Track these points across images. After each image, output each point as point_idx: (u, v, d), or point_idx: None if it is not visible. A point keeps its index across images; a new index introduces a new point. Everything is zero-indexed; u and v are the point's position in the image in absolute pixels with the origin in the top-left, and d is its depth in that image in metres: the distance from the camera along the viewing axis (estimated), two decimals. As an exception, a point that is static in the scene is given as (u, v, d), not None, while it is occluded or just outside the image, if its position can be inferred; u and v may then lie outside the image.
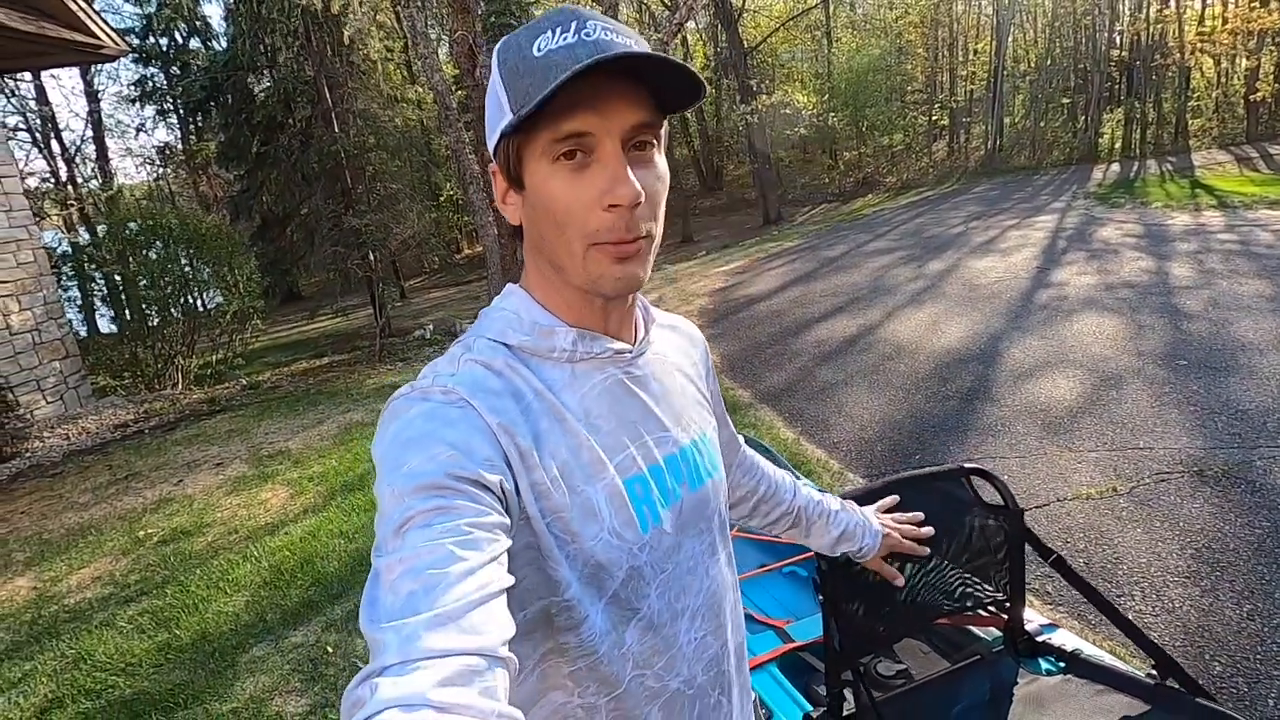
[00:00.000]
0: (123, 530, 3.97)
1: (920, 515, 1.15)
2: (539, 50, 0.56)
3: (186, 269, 9.08)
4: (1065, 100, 22.75)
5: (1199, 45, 19.51)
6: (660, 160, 0.61)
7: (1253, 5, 17.71)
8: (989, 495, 1.30)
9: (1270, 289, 5.69)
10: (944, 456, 3.62)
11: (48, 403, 6.80)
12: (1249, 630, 2.19)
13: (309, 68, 12.46)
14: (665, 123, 0.62)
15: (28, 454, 5.84)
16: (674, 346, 0.76)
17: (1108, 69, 21.15)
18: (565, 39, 0.55)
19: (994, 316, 5.99)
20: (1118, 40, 21.30)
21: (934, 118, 24.06)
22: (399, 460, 0.52)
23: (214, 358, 9.21)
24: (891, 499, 1.18)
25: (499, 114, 0.59)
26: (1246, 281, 5.99)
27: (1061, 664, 1.25)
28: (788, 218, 18.18)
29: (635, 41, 0.57)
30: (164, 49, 20.00)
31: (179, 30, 20.12)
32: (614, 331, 0.66)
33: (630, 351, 0.67)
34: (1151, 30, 19.98)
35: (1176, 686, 1.10)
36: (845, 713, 1.16)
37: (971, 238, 10.16)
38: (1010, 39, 22.72)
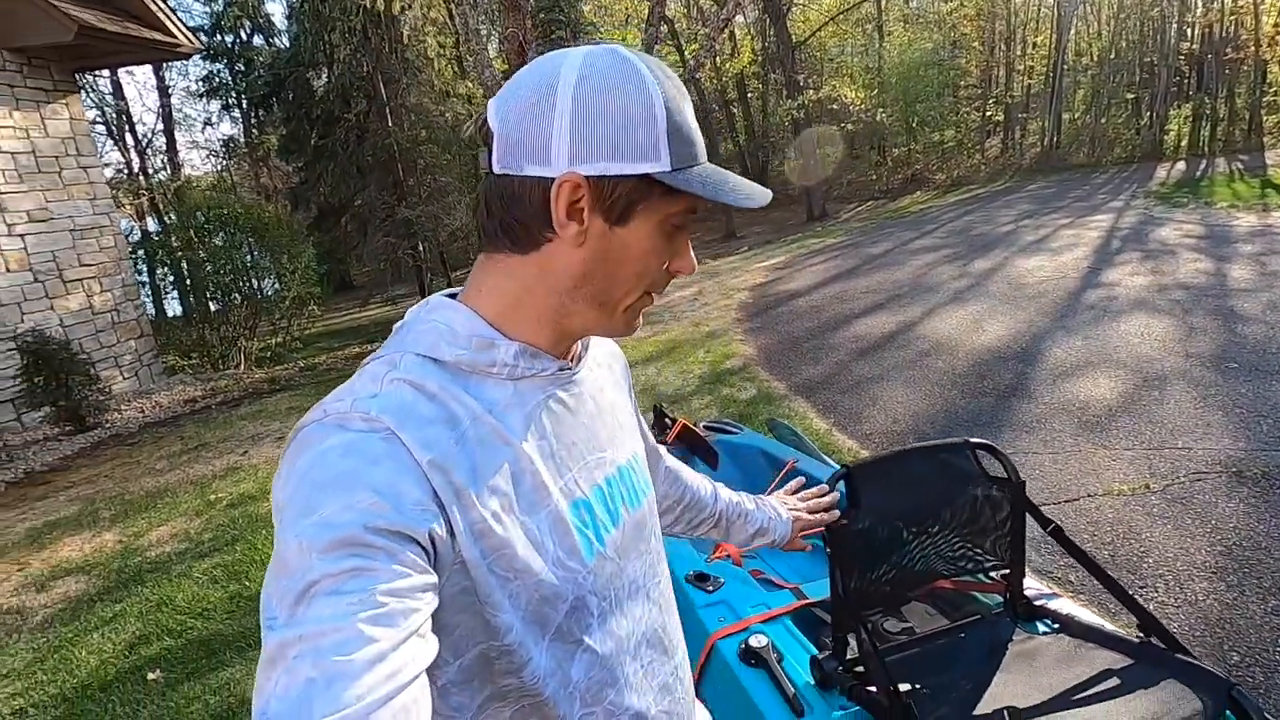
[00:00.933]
0: (195, 494, 4.30)
1: (825, 488, 1.23)
2: (688, 123, 0.57)
3: (249, 256, 9.57)
4: (1129, 95, 21.91)
5: (1277, 37, 18.54)
6: None
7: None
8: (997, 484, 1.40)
9: (1335, 293, 5.50)
10: (976, 450, 3.65)
11: (124, 378, 7.29)
12: (1271, 625, 2.22)
13: (366, 64, 12.92)
14: None
15: (107, 424, 6.30)
16: (600, 362, 0.74)
17: (1176, 63, 20.29)
18: (694, 122, 0.59)
19: (1038, 316, 5.92)
20: (1188, 33, 20.38)
21: (988, 113, 23.45)
22: (309, 505, 0.46)
23: (274, 341, 9.69)
24: (798, 480, 1.27)
25: (643, 149, 0.55)
26: (1310, 285, 5.79)
27: (1056, 625, 1.35)
28: (832, 214, 18.01)
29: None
30: (230, 46, 20.90)
31: (244, 28, 20.99)
32: (558, 353, 0.64)
33: (571, 369, 0.64)
34: (1225, 22, 19.08)
35: (1158, 644, 1.18)
36: (848, 656, 1.28)
37: (1021, 236, 9.97)
38: (1072, 32, 21.99)
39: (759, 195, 0.59)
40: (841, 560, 1.27)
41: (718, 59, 20.02)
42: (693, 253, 0.63)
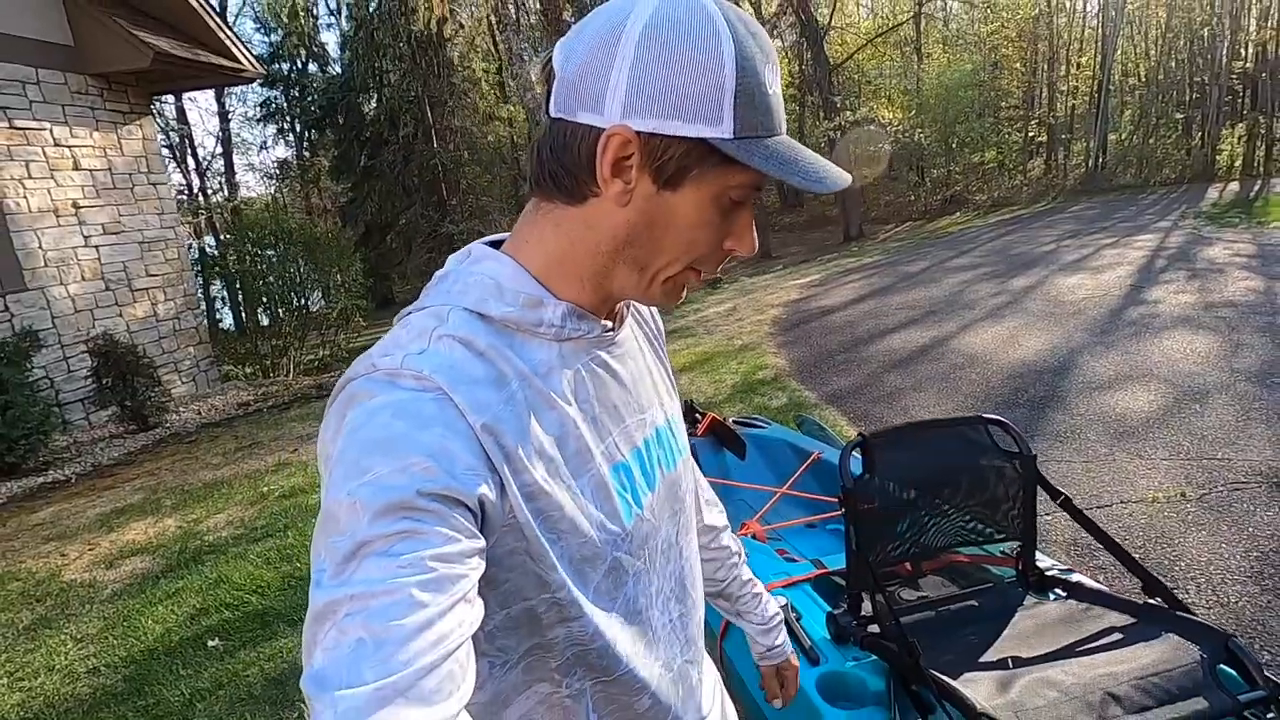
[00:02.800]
0: (249, 486, 4.54)
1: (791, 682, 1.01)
2: (770, 89, 0.53)
3: (300, 270, 10.01)
4: (1179, 116, 21.44)
5: (1335, 56, 17.99)
6: None
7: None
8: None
9: (1391, 310, 5.33)
10: (1007, 458, 3.65)
11: (182, 383, 7.68)
12: (1303, 625, 2.20)
13: (415, 88, 13.47)
14: None
15: (167, 424, 6.65)
16: (638, 321, 0.73)
17: (1228, 82, 19.82)
18: (775, 88, 0.54)
19: (1076, 332, 5.86)
20: (1240, 52, 19.91)
21: (1030, 134, 23.16)
22: (362, 464, 0.46)
23: (321, 353, 10.08)
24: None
25: (704, 107, 0.51)
26: (1365, 303, 5.62)
27: (1065, 594, 1.41)
28: (870, 235, 17.93)
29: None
30: (287, 74, 21.94)
31: (300, 56, 22.03)
32: (603, 314, 0.63)
33: (613, 330, 0.63)
34: (1279, 39, 18.60)
35: (1160, 604, 1.24)
36: (863, 613, 1.36)
37: (1062, 255, 9.83)
38: (1118, 51, 21.67)
39: (833, 177, 0.54)
40: (857, 522, 1.36)
41: (755, 82, 20.20)
42: (755, 232, 0.59)
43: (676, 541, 0.69)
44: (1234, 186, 16.28)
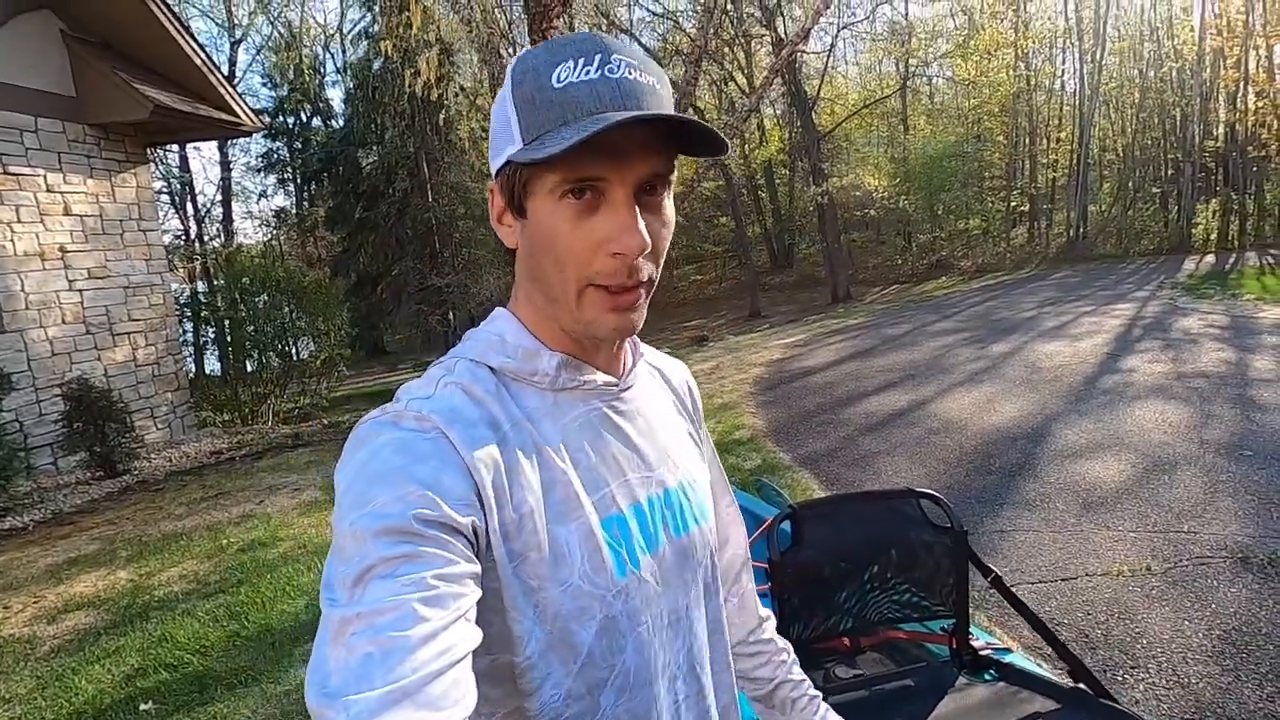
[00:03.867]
0: (208, 539, 4.43)
1: None
2: (558, 81, 0.52)
3: (287, 318, 10.04)
4: (1155, 190, 22.20)
5: (1300, 137, 18.80)
6: (668, 204, 0.58)
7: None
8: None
9: (1358, 385, 5.41)
10: (975, 525, 3.63)
11: (157, 429, 7.59)
12: (1265, 711, 2.15)
13: (411, 144, 13.82)
14: (676, 163, 0.58)
15: (136, 471, 6.53)
16: (664, 385, 0.73)
17: (1201, 159, 20.60)
18: (588, 73, 0.52)
19: (1051, 399, 5.91)
20: (1212, 131, 20.77)
21: (1013, 203, 23.86)
22: (364, 496, 0.49)
23: (302, 400, 10.02)
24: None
25: (506, 136, 0.56)
26: (1333, 377, 5.70)
27: (997, 674, 1.38)
28: (857, 297, 18.22)
29: (659, 81, 0.55)
30: (290, 126, 22.54)
31: (304, 110, 22.68)
32: (602, 366, 0.63)
33: (617, 385, 0.64)
34: (1248, 121, 19.45)
35: (1086, 689, 1.21)
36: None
37: (1042, 322, 9.99)
38: (1096, 128, 22.57)
39: (632, 109, 0.52)
40: (784, 595, 1.34)
41: (746, 147, 20.90)
42: (636, 228, 0.54)
43: (688, 615, 0.65)
44: (1210, 259, 16.71)
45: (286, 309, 10.00)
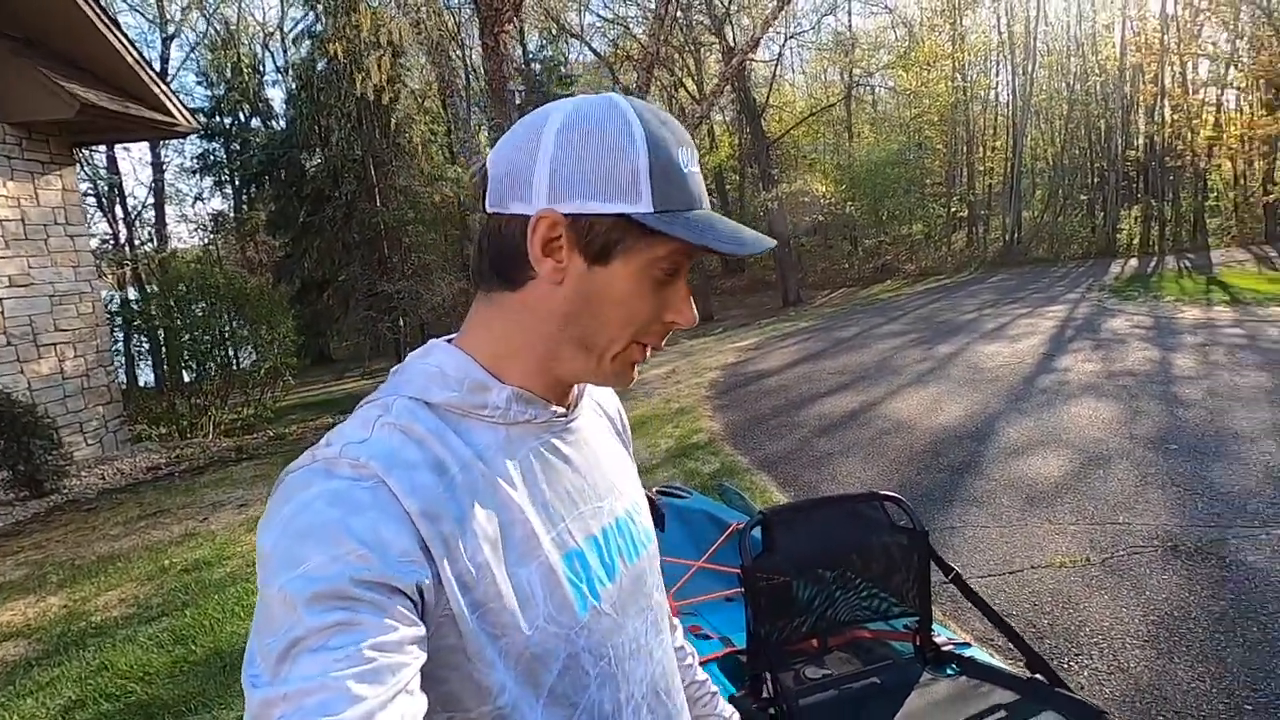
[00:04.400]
0: (149, 559, 4.22)
1: None
2: (685, 165, 0.56)
3: (228, 326, 9.67)
4: (1083, 197, 23.40)
5: (1210, 149, 20.11)
6: None
7: (1260, 113, 18.33)
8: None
9: (1270, 381, 5.80)
10: (926, 523, 3.73)
11: (87, 445, 7.19)
12: (1197, 690, 2.29)
13: (358, 147, 13.50)
14: None
15: (65, 490, 6.18)
16: (599, 411, 0.73)
17: (1124, 168, 21.81)
18: (691, 164, 0.57)
19: (994, 398, 6.15)
20: (1134, 142, 22.02)
21: (952, 209, 24.78)
22: (294, 556, 0.45)
23: (246, 412, 9.65)
24: None
25: (623, 184, 0.54)
26: (1247, 374, 6.11)
27: (959, 669, 1.43)
28: (807, 300, 18.63)
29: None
30: (228, 127, 21.73)
31: (243, 111, 21.90)
32: (554, 399, 0.62)
33: (566, 416, 0.63)
34: (1165, 133, 20.69)
35: (1042, 679, 1.28)
36: (764, 695, 1.35)
37: (982, 324, 10.40)
38: (1027, 140, 23.65)
39: (752, 241, 0.57)
40: (756, 601, 1.36)
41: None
42: (692, 305, 0.60)
43: (646, 642, 0.65)
44: (1133, 263, 17.69)
45: (226, 316, 9.62)
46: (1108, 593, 2.92)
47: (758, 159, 19.61)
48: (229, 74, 21.04)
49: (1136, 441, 4.71)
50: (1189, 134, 20.32)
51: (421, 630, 0.47)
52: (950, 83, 23.73)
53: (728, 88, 17.57)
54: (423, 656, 0.47)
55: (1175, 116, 20.65)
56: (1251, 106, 20.39)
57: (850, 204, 21.08)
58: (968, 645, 1.55)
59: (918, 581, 1.49)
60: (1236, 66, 19.95)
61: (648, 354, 0.61)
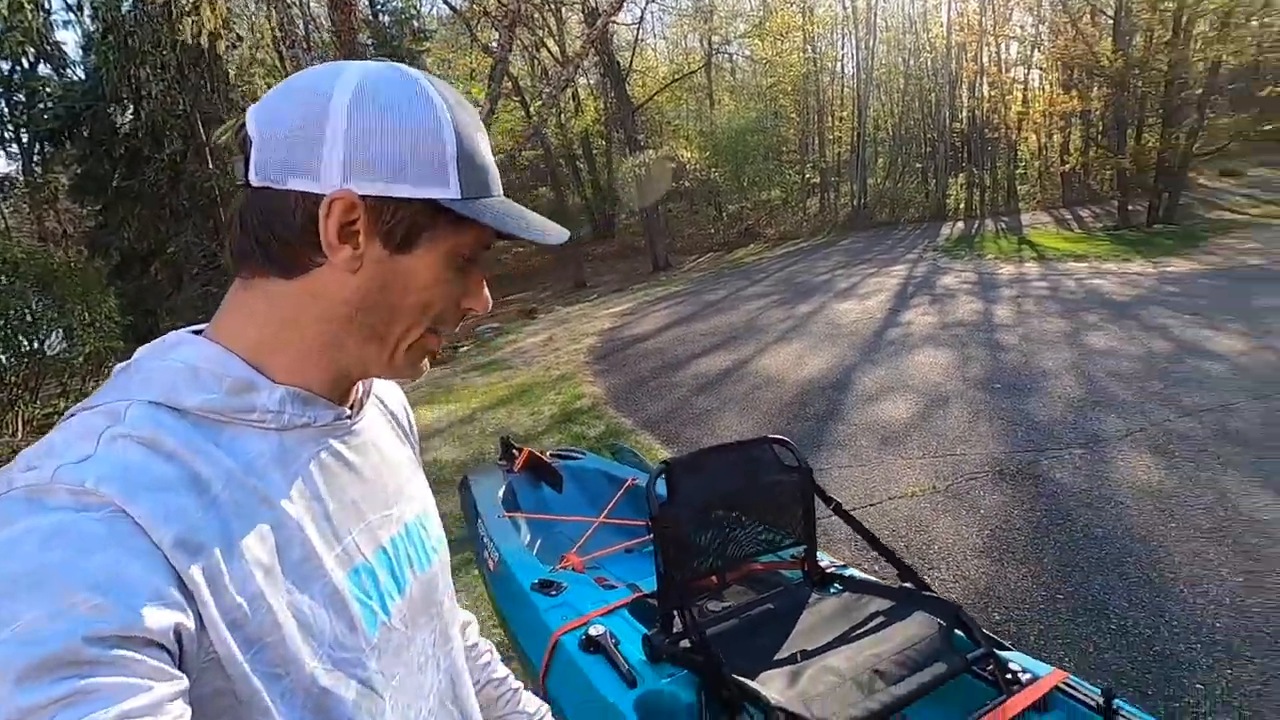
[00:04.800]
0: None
1: None
2: (485, 154, 0.55)
3: (31, 308, 8.40)
4: (918, 165, 25.60)
5: (1019, 123, 22.65)
6: None
7: (1058, 92, 20.88)
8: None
9: (1068, 326, 6.76)
10: (799, 468, 4.08)
11: None
12: (1022, 588, 2.70)
13: (183, 101, 12.02)
14: None
15: None
16: (384, 410, 0.68)
17: (951, 139, 24.08)
18: (488, 153, 0.55)
19: (849, 351, 6.71)
20: (958, 115, 24.32)
21: (807, 176, 26.24)
22: (4, 614, 0.36)
23: (62, 404, 8.49)
24: None
25: (432, 168, 0.51)
26: (1051, 320, 7.06)
27: (842, 587, 1.61)
28: (676, 265, 19.07)
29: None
30: (8, 74, 18.47)
31: (27, 55, 18.68)
32: (335, 398, 0.56)
33: (350, 417, 0.57)
34: (984, 108, 23.03)
35: (912, 587, 1.47)
36: (675, 630, 1.45)
37: (836, 284, 11.21)
38: (871, 110, 25.41)
39: (554, 232, 0.57)
40: (665, 547, 1.45)
41: (563, 116, 20.81)
42: (487, 290, 0.59)
43: (434, 652, 0.61)
44: (960, 225, 19.70)
45: (29, 297, 8.35)
46: (950, 515, 3.35)
47: (623, 124, 19.63)
48: (4, 9, 17.80)
49: (968, 383, 5.35)
50: (1003, 109, 22.74)
51: (183, 683, 0.40)
52: (801, 54, 24.89)
53: (591, 50, 17.35)
54: (187, 710, 0.39)
55: (992, 93, 23.01)
56: (1051, 86, 23.15)
57: (714, 170, 21.72)
58: (847, 567, 1.73)
59: (804, 513, 1.64)
60: (1040, 49, 22.51)
61: (441, 343, 0.58)
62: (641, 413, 5.53)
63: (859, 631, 1.37)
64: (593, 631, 1.53)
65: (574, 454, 2.80)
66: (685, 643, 1.41)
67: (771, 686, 1.21)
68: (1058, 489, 3.49)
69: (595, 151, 25.71)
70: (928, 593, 1.42)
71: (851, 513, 1.66)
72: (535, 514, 2.39)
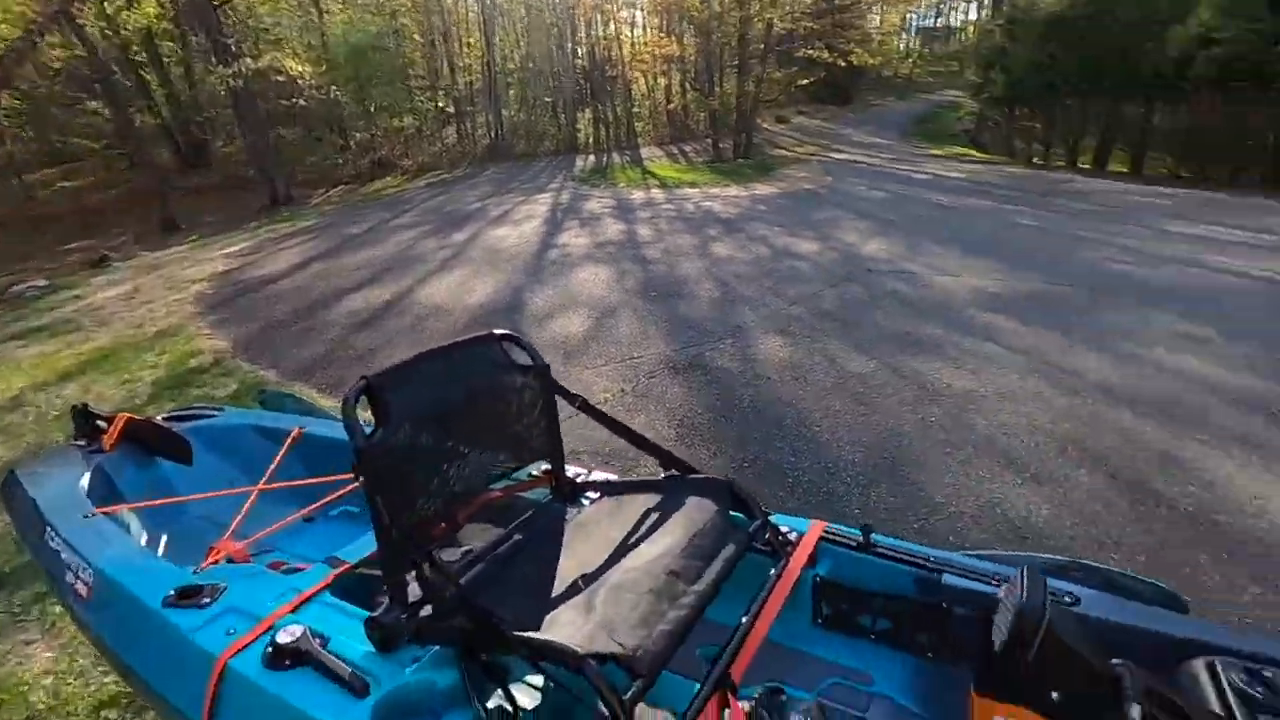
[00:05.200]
0: None
1: None
2: None
3: None
4: (548, 99, 26.23)
5: (631, 64, 24.70)
6: None
7: (661, 36, 23.20)
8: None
9: (696, 240, 7.61)
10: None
11: None
12: (712, 464, 2.92)
13: None
14: None
15: None
16: None
17: (575, 75, 25.13)
18: None
19: (515, 274, 6.54)
20: (579, 51, 25.41)
21: (440, 104, 24.89)
22: None
23: None
24: None
25: None
26: (683, 237, 7.87)
27: (599, 494, 1.41)
28: (300, 199, 16.53)
29: None
30: None
31: None
32: None
33: None
34: (601, 47, 24.46)
35: (677, 473, 1.33)
36: (411, 599, 1.07)
37: (488, 212, 10.91)
38: (497, 39, 24.96)
39: None
40: (380, 488, 1.04)
41: (109, 6, 15.84)
42: None
43: None
44: (592, 158, 20.93)
45: None
46: (643, 412, 3.45)
47: (204, 24, 15.82)
48: None
49: (629, 293, 5.63)
50: (618, 47, 24.48)
51: None
52: (418, -32, 23.03)
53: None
54: None
55: (607, 33, 24.51)
56: (653, 30, 25.59)
57: (335, 89, 19.13)
58: (595, 472, 1.54)
59: (546, 419, 1.38)
60: (643, -6, 24.61)
61: None
62: (288, 362, 4.58)
63: (636, 536, 1.18)
64: (282, 638, 1.06)
65: (205, 412, 2.06)
66: (429, 610, 1.05)
67: (563, 630, 0.94)
68: (721, 374, 3.86)
69: (169, 59, 20.48)
70: (696, 474, 1.30)
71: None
72: (151, 500, 1.68)
